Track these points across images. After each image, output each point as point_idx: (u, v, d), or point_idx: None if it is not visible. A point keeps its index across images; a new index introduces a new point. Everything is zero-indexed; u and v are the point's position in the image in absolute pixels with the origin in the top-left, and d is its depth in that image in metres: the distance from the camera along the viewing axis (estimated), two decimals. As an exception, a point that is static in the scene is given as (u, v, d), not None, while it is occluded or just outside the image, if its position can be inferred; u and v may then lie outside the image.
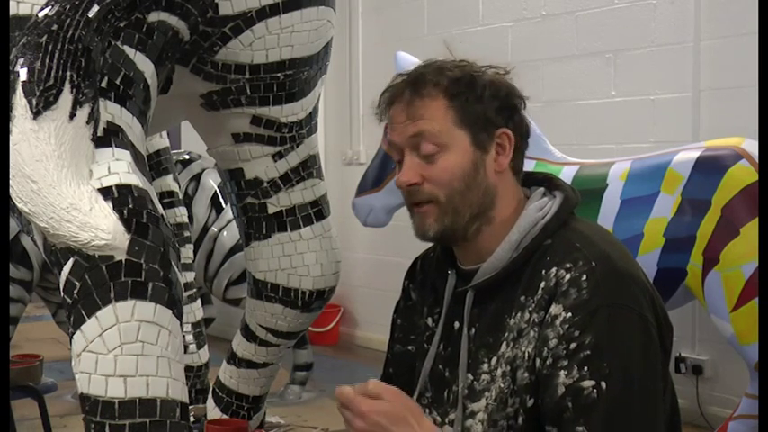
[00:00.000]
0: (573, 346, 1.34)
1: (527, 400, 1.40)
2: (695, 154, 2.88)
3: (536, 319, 1.40)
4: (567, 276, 1.38)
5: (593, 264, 1.39)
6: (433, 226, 1.48)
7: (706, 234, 2.78)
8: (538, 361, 1.38)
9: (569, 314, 1.36)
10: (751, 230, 2.69)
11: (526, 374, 1.40)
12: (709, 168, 2.82)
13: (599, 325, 1.34)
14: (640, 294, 1.40)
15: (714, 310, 2.79)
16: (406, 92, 1.50)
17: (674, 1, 3.81)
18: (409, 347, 1.66)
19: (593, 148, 3.91)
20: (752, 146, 2.81)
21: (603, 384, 1.32)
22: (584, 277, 1.37)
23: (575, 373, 1.33)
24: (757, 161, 2.75)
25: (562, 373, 1.34)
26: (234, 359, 2.39)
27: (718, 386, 3.68)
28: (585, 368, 1.33)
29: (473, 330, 1.50)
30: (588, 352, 1.33)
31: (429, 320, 1.61)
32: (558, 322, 1.36)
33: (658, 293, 1.46)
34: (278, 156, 2.15)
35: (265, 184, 2.17)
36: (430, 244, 1.65)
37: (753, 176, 2.73)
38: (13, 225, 1.97)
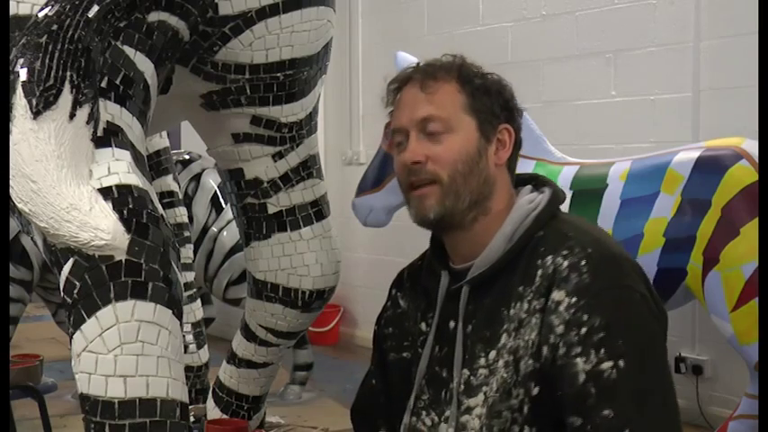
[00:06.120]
0: (584, 330, 1.35)
1: (532, 388, 1.41)
2: (695, 154, 2.88)
3: (537, 306, 1.41)
4: (565, 263, 1.41)
5: (589, 249, 1.41)
6: (434, 208, 1.49)
7: (706, 234, 2.77)
8: (545, 349, 1.39)
9: (574, 299, 1.37)
10: (751, 230, 2.68)
11: (531, 362, 1.40)
12: (710, 168, 2.82)
13: (606, 306, 1.36)
14: (636, 276, 1.43)
15: (714, 310, 2.79)
16: (418, 75, 1.54)
17: (674, 1, 3.81)
18: (404, 354, 1.64)
19: (593, 148, 3.90)
20: (752, 146, 2.81)
21: (622, 363, 1.33)
22: (583, 262, 1.40)
23: (593, 358, 1.34)
24: (757, 161, 2.74)
25: (579, 360, 1.35)
26: (234, 359, 2.39)
27: (719, 386, 3.68)
28: (602, 350, 1.34)
29: (469, 327, 1.51)
30: (602, 334, 1.35)
31: (423, 325, 1.61)
32: (562, 308, 1.38)
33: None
34: (278, 156, 2.15)
35: (265, 184, 2.17)
36: (418, 253, 1.66)
37: (753, 176, 2.73)
38: (13, 225, 1.97)
